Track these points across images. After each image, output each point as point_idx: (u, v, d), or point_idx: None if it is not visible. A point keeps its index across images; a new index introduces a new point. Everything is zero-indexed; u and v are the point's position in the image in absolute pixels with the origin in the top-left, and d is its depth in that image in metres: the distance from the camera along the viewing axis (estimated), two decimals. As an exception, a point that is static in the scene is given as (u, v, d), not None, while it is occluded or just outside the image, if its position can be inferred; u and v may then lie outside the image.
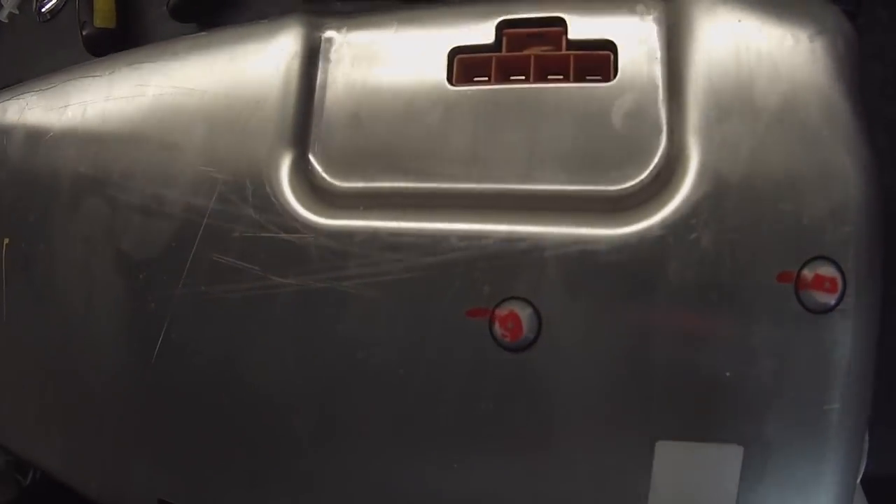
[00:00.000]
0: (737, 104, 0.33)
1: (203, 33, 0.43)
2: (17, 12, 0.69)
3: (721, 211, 0.32)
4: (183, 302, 0.40)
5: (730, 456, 0.32)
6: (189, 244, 0.40)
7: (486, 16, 0.38)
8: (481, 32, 0.38)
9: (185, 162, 0.41)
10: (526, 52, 0.37)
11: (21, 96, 0.50)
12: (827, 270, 0.31)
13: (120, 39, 0.58)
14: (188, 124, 0.41)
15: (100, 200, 0.43)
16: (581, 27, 0.36)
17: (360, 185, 0.37)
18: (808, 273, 0.32)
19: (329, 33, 0.40)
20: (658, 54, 0.35)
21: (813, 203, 0.32)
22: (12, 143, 0.49)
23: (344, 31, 0.40)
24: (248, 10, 0.54)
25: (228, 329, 0.39)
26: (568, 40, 0.36)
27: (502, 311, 0.33)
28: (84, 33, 0.55)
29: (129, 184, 0.42)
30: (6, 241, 0.48)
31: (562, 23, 0.37)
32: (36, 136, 0.48)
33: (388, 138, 0.37)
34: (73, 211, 0.44)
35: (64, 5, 0.63)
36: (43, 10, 0.65)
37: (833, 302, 0.32)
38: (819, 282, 0.32)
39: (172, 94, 0.42)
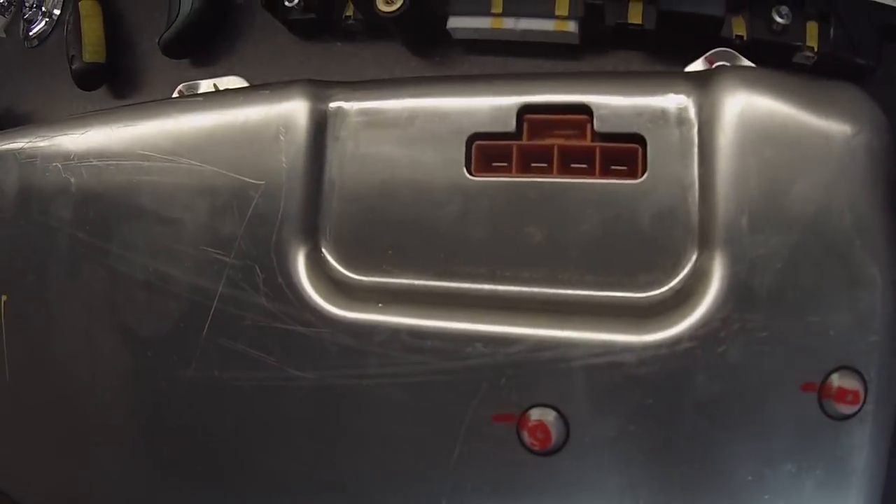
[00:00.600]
0: (771, 213, 0.32)
1: (200, 98, 0.40)
2: (3, 35, 0.64)
3: (750, 324, 0.31)
4: (195, 384, 0.38)
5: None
6: (199, 327, 0.38)
7: (507, 99, 0.35)
8: (502, 117, 0.35)
9: (188, 240, 0.38)
10: (549, 142, 0.35)
11: (14, 143, 0.47)
12: (850, 383, 0.31)
13: (110, 74, 0.54)
14: (190, 200, 0.38)
15: (100, 270, 0.41)
16: (607, 115, 0.34)
17: (377, 279, 0.36)
18: (831, 384, 0.31)
19: (336, 104, 0.38)
20: (689, 152, 0.33)
21: (840, 314, 0.31)
22: (5, 196, 0.45)
23: (353, 102, 0.38)
24: (242, 45, 0.50)
25: (243, 416, 0.37)
26: (593, 129, 0.34)
27: (531, 420, 0.33)
28: (73, 67, 0.51)
29: (131, 256, 0.40)
30: (4, 297, 0.45)
31: (587, 110, 0.34)
32: (30, 192, 0.44)
33: (404, 231, 0.35)
34: (73, 277, 0.42)
35: (53, 29, 0.58)
36: (31, 33, 0.60)
37: (854, 412, 0.32)
38: (842, 394, 0.31)
39: (173, 166, 0.39)
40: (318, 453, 0.36)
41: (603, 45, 0.45)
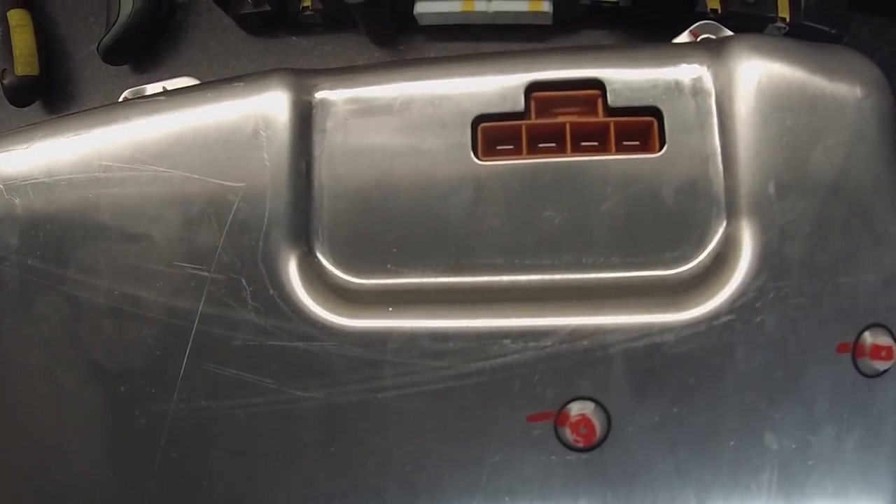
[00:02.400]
0: (795, 178, 0.29)
1: (162, 97, 0.33)
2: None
3: (785, 290, 0.29)
4: (180, 418, 0.32)
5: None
6: (178, 353, 0.31)
7: (513, 76, 0.31)
8: (508, 96, 0.31)
9: (159, 257, 0.32)
10: (560, 120, 0.31)
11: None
12: (883, 339, 0.29)
13: (45, 87, 0.46)
14: (158, 212, 0.32)
15: (58, 299, 0.33)
16: (620, 89, 0.31)
17: (382, 281, 0.30)
18: (864, 343, 0.29)
19: (321, 94, 0.32)
20: (708, 122, 0.30)
21: (866, 273, 0.29)
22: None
23: (340, 90, 0.32)
24: (188, 46, 0.44)
25: (241, 448, 0.31)
26: (606, 104, 0.31)
27: (572, 416, 0.29)
28: (5, 83, 0.43)
29: (93, 281, 0.32)
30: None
31: (599, 85, 0.31)
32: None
33: (409, 225, 0.30)
34: (26, 310, 0.34)
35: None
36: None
37: (888, 367, 0.30)
38: (876, 351, 0.29)
39: (134, 175, 0.32)
40: (335, 480, 0.30)
41: (576, 24, 0.42)
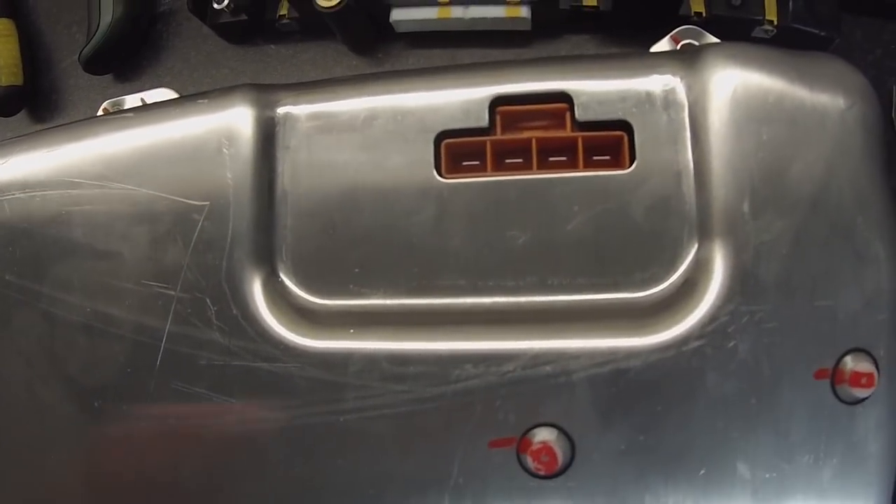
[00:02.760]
0: (772, 195, 0.27)
1: (130, 113, 0.32)
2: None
3: (759, 314, 0.27)
4: (151, 436, 0.31)
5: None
6: (148, 371, 0.30)
7: (477, 90, 0.29)
8: (472, 111, 0.29)
9: (127, 274, 0.31)
10: (526, 136, 0.29)
11: None
12: (863, 366, 0.27)
13: (29, 97, 0.45)
14: (127, 229, 0.31)
15: (35, 315, 0.32)
16: (588, 102, 0.29)
17: (345, 302, 0.29)
18: (844, 369, 0.27)
19: (283, 110, 0.31)
20: (680, 136, 0.28)
21: (848, 295, 0.27)
22: None
23: (302, 105, 0.31)
24: (169, 56, 0.43)
25: (206, 467, 0.31)
26: (574, 118, 0.29)
27: (534, 443, 0.27)
28: None
29: (67, 298, 0.31)
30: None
31: (566, 98, 0.29)
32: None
33: (371, 245, 0.29)
34: (4, 325, 0.33)
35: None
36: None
37: (868, 395, 0.28)
38: (856, 378, 0.27)
39: (104, 192, 0.31)
40: (298, 502, 0.30)
41: (556, 30, 0.40)
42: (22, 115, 0.45)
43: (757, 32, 0.37)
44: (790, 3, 0.37)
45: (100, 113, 0.40)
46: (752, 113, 0.27)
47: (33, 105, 0.45)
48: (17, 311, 0.33)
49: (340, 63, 0.40)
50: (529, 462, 0.27)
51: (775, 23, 0.37)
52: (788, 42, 0.38)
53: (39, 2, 0.46)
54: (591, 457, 0.27)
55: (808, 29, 0.37)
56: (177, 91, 0.39)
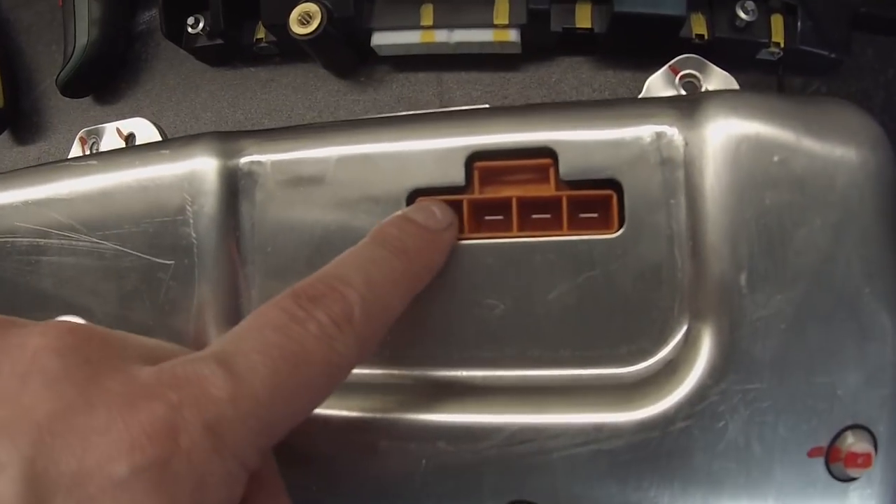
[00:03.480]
0: (772, 267, 0.23)
1: (94, 161, 0.28)
2: None
3: (752, 394, 0.23)
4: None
5: None
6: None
7: (452, 144, 0.25)
8: (447, 167, 0.25)
9: (94, 333, 0.28)
10: (506, 194, 0.25)
11: None
12: (861, 446, 0.24)
13: (9, 119, 0.41)
14: (95, 285, 0.28)
15: None
16: (574, 158, 0.25)
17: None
18: (840, 447, 0.24)
19: (248, 159, 0.27)
20: (674, 198, 0.24)
21: (849, 371, 0.24)
22: None
23: (268, 155, 0.27)
24: (148, 78, 0.38)
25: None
26: (558, 175, 0.25)
27: (510, 525, 0.25)
28: None
29: None
30: None
31: (550, 153, 0.25)
32: None
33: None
34: None
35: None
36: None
37: (865, 474, 0.25)
38: (852, 458, 0.24)
39: (71, 245, 0.28)
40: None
41: (547, 53, 0.35)
42: (3, 138, 0.42)
43: (762, 55, 0.33)
44: (798, 24, 0.32)
45: (76, 143, 0.36)
46: (755, 175, 0.23)
47: (14, 127, 0.41)
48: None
49: (321, 87, 0.36)
50: (506, 542, 0.25)
51: (782, 45, 0.32)
52: (795, 64, 0.34)
53: (19, 20, 0.42)
54: (571, 536, 0.25)
55: (816, 51, 0.32)
56: (156, 117, 0.36)
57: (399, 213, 0.25)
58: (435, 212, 0.24)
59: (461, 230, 0.25)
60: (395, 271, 0.22)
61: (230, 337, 0.20)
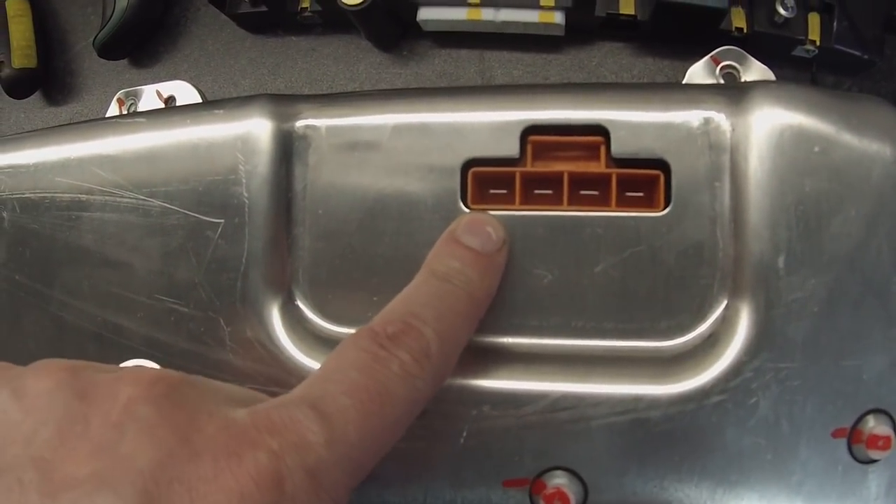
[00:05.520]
0: (809, 251, 0.25)
1: (143, 118, 0.29)
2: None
3: (784, 372, 0.25)
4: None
5: None
6: (157, 385, 0.29)
7: (508, 117, 0.26)
8: (502, 139, 0.26)
9: (139, 287, 0.29)
10: (558, 168, 0.26)
11: None
12: (882, 429, 0.25)
13: (42, 80, 0.41)
14: (139, 241, 0.28)
15: (45, 318, 0.30)
16: (626, 137, 0.26)
17: (366, 330, 0.28)
18: (862, 429, 0.26)
19: (303, 123, 0.28)
20: (719, 181, 0.25)
21: (875, 356, 0.25)
22: None
23: (323, 119, 0.28)
24: (187, 43, 0.38)
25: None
26: (609, 153, 0.26)
27: (548, 487, 0.26)
28: (2, 76, 0.39)
29: (76, 304, 0.30)
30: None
31: (602, 131, 0.26)
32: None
33: (391, 274, 0.27)
34: (15, 323, 0.31)
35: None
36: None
37: (885, 456, 0.26)
38: (874, 440, 0.25)
39: (115, 201, 0.29)
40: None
41: (588, 37, 0.36)
42: (35, 98, 0.42)
43: (798, 51, 0.34)
44: (834, 24, 0.33)
45: (113, 103, 0.37)
46: (796, 163, 0.25)
47: (47, 88, 0.42)
48: (27, 313, 0.31)
49: (363, 59, 0.37)
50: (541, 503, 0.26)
51: (817, 43, 0.33)
52: (829, 63, 0.35)
53: (53, -17, 0.42)
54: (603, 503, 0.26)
55: (850, 51, 0.34)
56: (194, 81, 0.36)
57: (455, 238, 0.25)
58: (490, 234, 0.25)
59: (512, 201, 0.27)
60: (462, 304, 0.23)
61: (317, 380, 0.20)
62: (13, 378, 0.20)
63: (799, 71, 0.36)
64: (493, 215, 0.26)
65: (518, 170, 0.26)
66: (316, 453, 0.18)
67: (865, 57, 0.34)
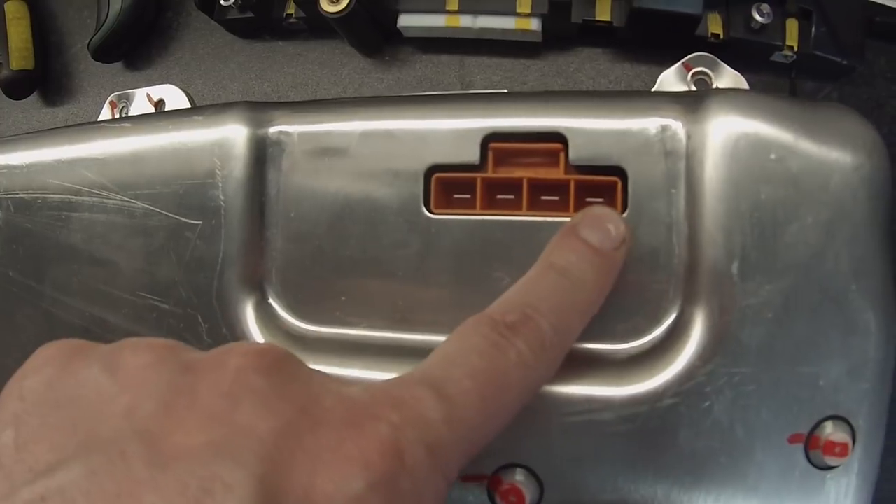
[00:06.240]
0: (764, 258, 0.25)
1: (128, 123, 0.31)
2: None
3: (737, 377, 0.25)
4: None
5: None
6: (140, 378, 0.31)
7: (470, 125, 0.27)
8: (464, 146, 0.27)
9: (124, 284, 0.30)
10: (518, 174, 0.27)
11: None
12: (839, 436, 0.26)
13: (39, 82, 0.43)
14: (123, 241, 0.30)
15: (36, 313, 0.32)
16: (584, 144, 0.27)
17: (331, 329, 0.28)
18: (819, 435, 0.26)
19: (277, 129, 0.29)
20: (675, 187, 0.26)
21: (832, 363, 0.26)
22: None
23: (295, 125, 0.29)
24: (178, 47, 0.40)
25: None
26: (567, 160, 0.27)
27: (503, 483, 0.27)
28: (0, 77, 0.41)
29: (66, 300, 0.31)
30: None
31: (561, 138, 0.27)
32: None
33: (357, 275, 0.28)
34: (8, 318, 0.33)
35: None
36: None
37: (843, 463, 0.27)
38: (830, 447, 0.26)
39: (102, 202, 0.30)
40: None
41: (567, 42, 0.37)
42: (33, 99, 0.44)
43: (776, 57, 0.34)
44: (813, 29, 0.33)
45: (106, 106, 0.38)
46: (752, 170, 0.25)
47: (44, 89, 0.44)
48: (19, 308, 0.33)
49: (348, 64, 0.38)
50: (498, 500, 0.27)
51: (795, 49, 0.34)
52: (808, 69, 0.36)
53: (52, -14, 0.44)
54: (558, 500, 0.27)
55: (829, 57, 0.34)
56: (185, 84, 0.38)
57: (575, 231, 0.25)
58: (610, 230, 0.25)
59: (474, 206, 0.28)
60: (578, 300, 0.24)
61: (438, 360, 0.21)
62: (104, 355, 0.20)
63: (778, 77, 0.36)
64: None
65: (479, 175, 0.27)
66: (437, 430, 0.18)
67: (845, 62, 0.34)
